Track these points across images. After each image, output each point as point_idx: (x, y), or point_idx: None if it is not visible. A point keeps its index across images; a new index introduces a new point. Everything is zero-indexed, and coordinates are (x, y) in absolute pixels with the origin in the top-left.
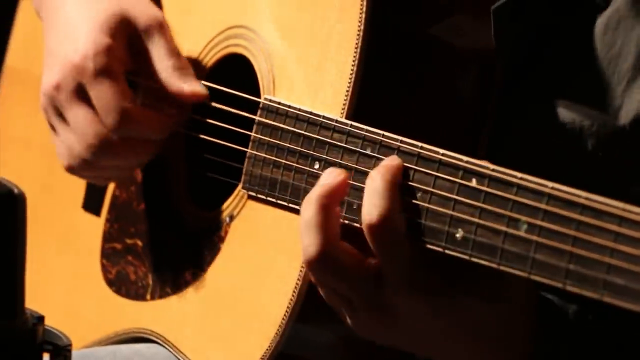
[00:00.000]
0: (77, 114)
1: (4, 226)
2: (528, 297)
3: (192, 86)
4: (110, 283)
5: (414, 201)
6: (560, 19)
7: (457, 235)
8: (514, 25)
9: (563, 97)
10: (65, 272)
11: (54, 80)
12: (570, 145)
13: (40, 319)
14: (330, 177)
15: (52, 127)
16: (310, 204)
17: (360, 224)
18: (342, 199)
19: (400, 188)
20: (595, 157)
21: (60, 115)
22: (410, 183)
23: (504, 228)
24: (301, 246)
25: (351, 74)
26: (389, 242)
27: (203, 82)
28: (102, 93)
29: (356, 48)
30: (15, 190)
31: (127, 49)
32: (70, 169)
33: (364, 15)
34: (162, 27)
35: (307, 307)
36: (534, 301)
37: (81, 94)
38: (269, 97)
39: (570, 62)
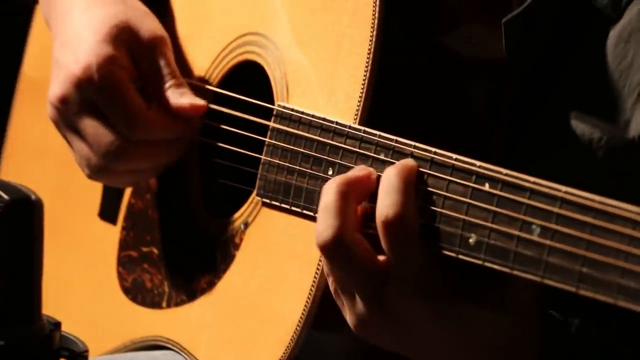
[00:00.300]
0: (87, 125)
1: (22, 232)
2: (532, 309)
3: (190, 99)
4: (126, 291)
5: (428, 206)
6: (572, 31)
7: (471, 240)
8: (525, 38)
9: (574, 108)
10: (82, 280)
11: (59, 92)
12: (580, 157)
13: (57, 325)
14: (356, 170)
15: (66, 139)
16: (331, 188)
17: (375, 226)
18: (363, 193)
19: (415, 192)
20: (605, 169)
21: (72, 127)
22: (424, 187)
23: (517, 232)
24: (316, 230)
25: (364, 80)
26: (402, 241)
27: (217, 89)
28: (111, 102)
29: (369, 53)
30: (33, 196)
31: (130, 58)
32: (91, 177)
33: (376, 21)
34: (164, 46)
35: (321, 314)
36: (538, 313)
37: (88, 106)
38: (282, 103)
39: (581, 74)
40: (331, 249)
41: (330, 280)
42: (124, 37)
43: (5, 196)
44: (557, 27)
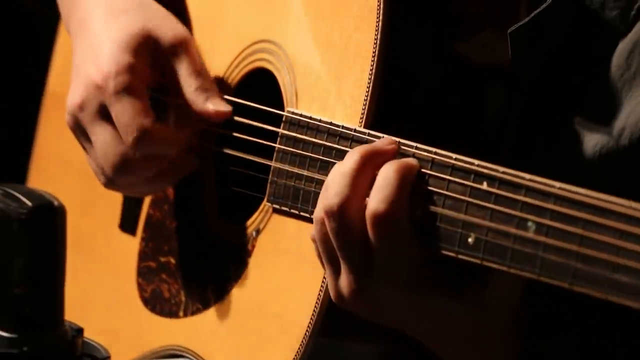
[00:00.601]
0: (99, 132)
1: (45, 238)
2: (511, 309)
3: (216, 105)
4: (145, 302)
5: (429, 206)
6: (579, 42)
7: (470, 239)
8: (531, 48)
9: (578, 117)
10: (103, 290)
11: (78, 99)
12: (584, 164)
13: (80, 331)
14: (383, 142)
15: (83, 147)
16: (353, 156)
17: None
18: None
19: (411, 191)
20: (605, 175)
21: (86, 135)
22: (425, 188)
23: (513, 230)
24: (325, 191)
25: (369, 83)
26: (388, 237)
27: (228, 97)
28: (122, 111)
29: (373, 56)
30: (56, 203)
31: (151, 67)
32: (106, 187)
33: (380, 24)
34: (187, 46)
35: (330, 320)
36: (517, 314)
37: (103, 114)
38: (291, 109)
39: (586, 85)
40: (335, 215)
41: (319, 246)
42: (144, 44)
43: (28, 202)
44: (563, 38)
